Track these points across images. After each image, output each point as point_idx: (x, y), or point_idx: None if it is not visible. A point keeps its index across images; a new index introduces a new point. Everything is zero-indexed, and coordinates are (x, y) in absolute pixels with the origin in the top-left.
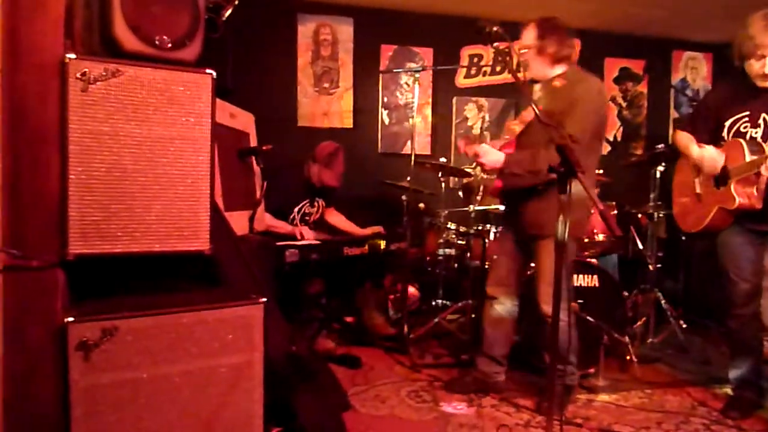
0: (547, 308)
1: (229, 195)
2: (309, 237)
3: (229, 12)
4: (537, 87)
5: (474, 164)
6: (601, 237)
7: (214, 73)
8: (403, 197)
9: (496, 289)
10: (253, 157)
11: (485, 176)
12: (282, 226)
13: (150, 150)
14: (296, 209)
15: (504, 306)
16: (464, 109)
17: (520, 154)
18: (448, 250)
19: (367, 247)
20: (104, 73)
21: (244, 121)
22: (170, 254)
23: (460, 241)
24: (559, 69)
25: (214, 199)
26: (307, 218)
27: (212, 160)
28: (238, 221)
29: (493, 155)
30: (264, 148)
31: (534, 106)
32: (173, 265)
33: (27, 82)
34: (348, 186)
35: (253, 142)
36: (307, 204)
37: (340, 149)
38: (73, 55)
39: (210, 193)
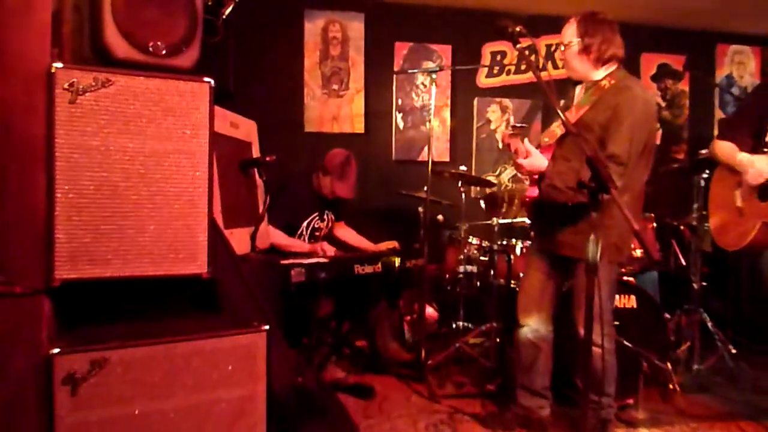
0: (596, 337)
1: (230, 211)
2: (330, 252)
3: (229, 10)
4: (578, 89)
5: (498, 171)
6: (638, 252)
7: (213, 81)
8: (420, 209)
9: (528, 314)
10: (256, 169)
11: (511, 186)
12: (299, 246)
13: (143, 165)
14: (305, 224)
15: (538, 333)
16: (486, 111)
17: (564, 166)
18: (469, 267)
19: (380, 264)
20: (94, 83)
21: (246, 129)
22: (165, 278)
23: (482, 258)
24: (605, 71)
25: (213, 216)
26: (316, 233)
27: (211, 175)
28: (240, 239)
29: (537, 159)
30: (268, 159)
31: (563, 113)
32: (168, 290)
33: (10, 94)
34: (359, 197)
35: (256, 153)
36: (317, 218)
37: (351, 157)
38: (60, 64)
39: (208, 212)
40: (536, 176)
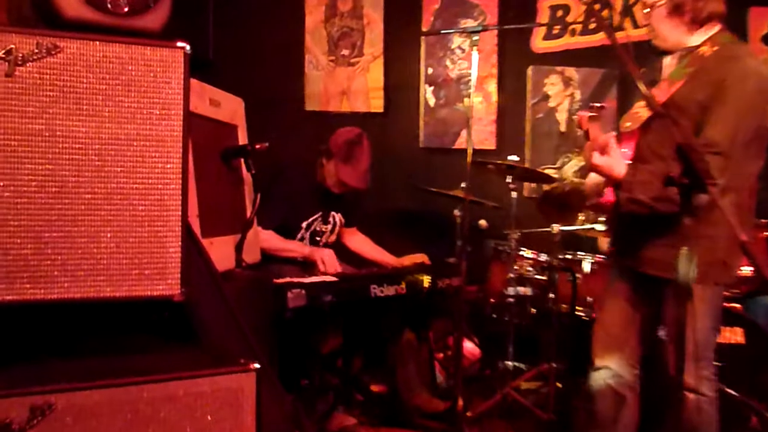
0: (691, 380)
1: (209, 215)
2: (332, 264)
3: None
4: (668, 60)
5: (560, 163)
6: (747, 271)
7: (188, 47)
8: (456, 212)
9: (608, 354)
10: (243, 160)
11: (578, 181)
12: (294, 248)
13: (99, 156)
14: (304, 224)
15: (621, 378)
16: (544, 83)
17: (646, 172)
18: (521, 289)
19: (404, 284)
20: (37, 51)
21: (230, 109)
22: (127, 302)
23: (539, 277)
24: (704, 34)
25: (188, 222)
26: (317, 239)
27: (185, 168)
28: (222, 251)
29: (615, 163)
30: (258, 146)
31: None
32: (131, 317)
33: None
34: (377, 196)
35: (243, 139)
36: (319, 219)
37: (363, 136)
38: None
39: (182, 216)
40: (610, 181)
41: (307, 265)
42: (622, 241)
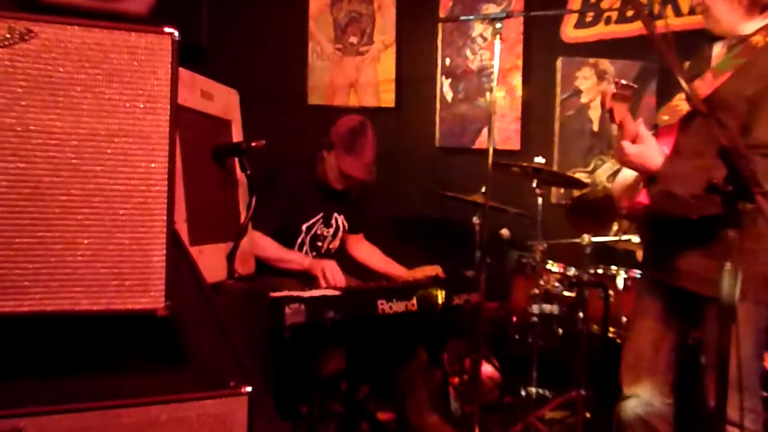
0: (733, 412)
1: (198, 220)
2: (335, 276)
3: None
4: (718, 47)
5: (592, 166)
6: None
7: (177, 33)
8: (475, 219)
9: (637, 380)
10: (237, 159)
11: (611, 187)
12: (293, 259)
13: (77, 153)
14: (304, 226)
15: (651, 407)
16: (575, 76)
17: (688, 164)
18: (547, 307)
19: (416, 300)
20: (9, 36)
21: (224, 102)
22: (106, 316)
23: (567, 293)
24: (759, 22)
25: (175, 228)
26: (319, 243)
27: (172, 168)
28: (212, 260)
29: (649, 151)
30: (254, 144)
31: (689, 86)
32: (110, 333)
33: None
34: (386, 199)
35: (238, 136)
36: (320, 222)
37: (367, 125)
38: None
39: (168, 221)
40: (645, 175)
41: (308, 277)
42: (654, 250)
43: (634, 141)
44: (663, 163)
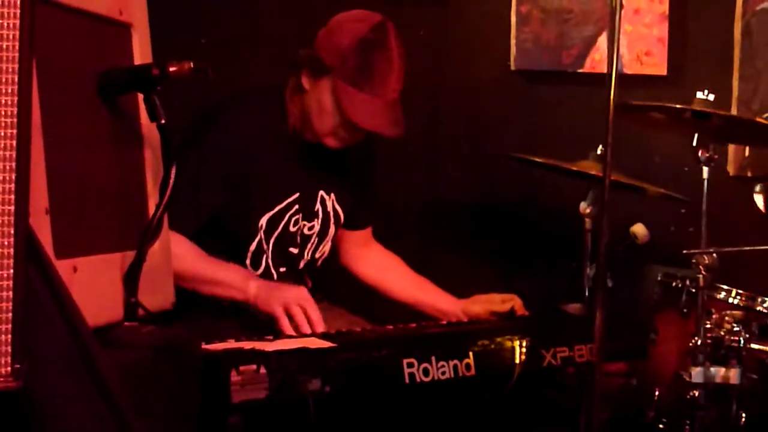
0: None
1: (72, 210)
2: (310, 314)
3: None
4: None
5: None
6: None
7: None
8: (584, 206)
9: None
10: (142, 98)
11: None
12: (228, 281)
13: None
14: (263, 221)
15: None
16: None
17: None
18: (721, 371)
19: (472, 358)
20: None
21: None
22: None
23: (757, 345)
24: None
25: (27, 225)
26: (292, 252)
27: (24, 119)
28: (98, 285)
29: None
30: (172, 68)
31: None
32: None
33: None
34: (418, 169)
35: (143, 54)
36: (295, 210)
37: (389, 32)
38: None
39: (16, 211)
40: None
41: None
42: None
43: None
44: None
